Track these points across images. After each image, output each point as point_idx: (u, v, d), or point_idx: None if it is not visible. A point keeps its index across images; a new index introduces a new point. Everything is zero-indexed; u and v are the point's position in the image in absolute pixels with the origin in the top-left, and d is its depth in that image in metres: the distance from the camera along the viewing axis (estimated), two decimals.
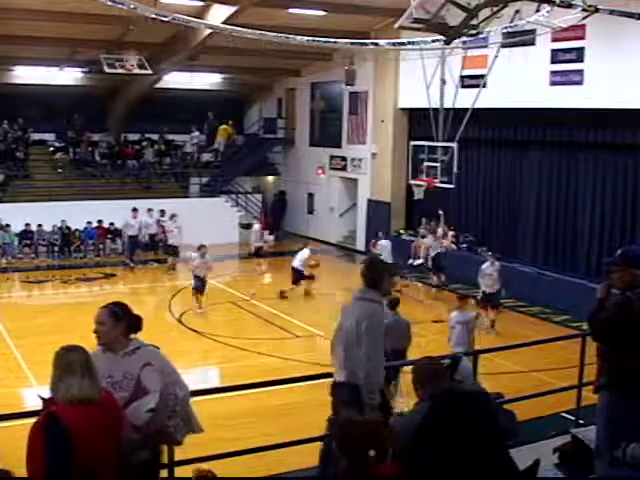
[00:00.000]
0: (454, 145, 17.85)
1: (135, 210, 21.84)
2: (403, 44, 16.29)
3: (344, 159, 24.97)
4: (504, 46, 17.14)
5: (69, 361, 3.84)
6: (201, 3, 18.82)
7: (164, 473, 5.76)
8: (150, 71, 21.69)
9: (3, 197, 22.97)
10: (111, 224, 23.09)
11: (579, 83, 16.63)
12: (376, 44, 17.38)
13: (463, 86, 18.53)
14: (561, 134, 17.87)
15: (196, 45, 21.14)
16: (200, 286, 16.50)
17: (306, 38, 14.24)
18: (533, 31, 15.52)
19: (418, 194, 19.61)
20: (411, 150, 19.74)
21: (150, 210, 22.10)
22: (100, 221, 22.92)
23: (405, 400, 10.47)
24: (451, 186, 18.31)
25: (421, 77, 18.60)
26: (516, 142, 19.36)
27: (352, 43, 15.87)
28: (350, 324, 5.54)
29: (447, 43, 11.53)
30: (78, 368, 3.81)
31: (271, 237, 26.56)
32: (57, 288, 19.03)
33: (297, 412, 10.43)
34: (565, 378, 9.18)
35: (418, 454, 3.78)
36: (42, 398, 4.05)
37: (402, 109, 22.38)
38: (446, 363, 5.16)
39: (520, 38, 15.88)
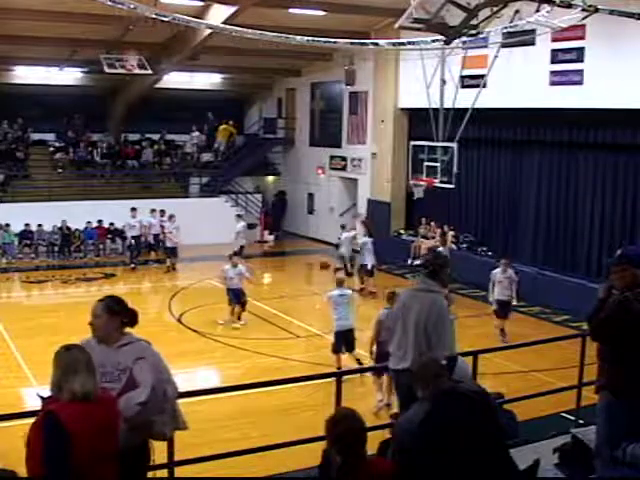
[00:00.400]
0: (454, 145, 17.85)
1: (134, 210, 21.70)
2: (403, 44, 16.28)
3: (344, 159, 24.97)
4: (504, 46, 17.14)
5: (71, 360, 3.87)
6: (201, 3, 18.82)
7: (164, 473, 5.77)
8: (150, 71, 21.70)
9: (3, 197, 22.96)
10: (111, 224, 23.08)
11: (579, 83, 16.62)
12: (376, 44, 17.38)
13: (463, 86, 18.54)
14: (561, 134, 17.87)
15: (196, 45, 21.14)
16: (237, 299, 15.26)
17: (306, 38, 14.23)
18: (533, 31, 15.51)
19: (418, 194, 19.63)
20: (411, 150, 19.75)
21: (153, 211, 21.99)
22: (100, 221, 22.91)
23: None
24: (451, 186, 18.31)
25: (421, 77, 18.61)
26: (516, 142, 19.36)
27: (352, 43, 15.86)
28: (415, 314, 5.86)
29: (447, 43, 11.54)
30: (80, 366, 3.84)
31: (271, 237, 26.63)
32: (57, 288, 19.03)
33: (297, 412, 10.43)
34: (565, 378, 9.18)
35: (418, 453, 3.79)
36: (42, 397, 4.06)
37: (402, 109, 22.38)
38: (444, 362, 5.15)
39: (520, 38, 15.88)
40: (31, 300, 18.81)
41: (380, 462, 4.01)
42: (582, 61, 16.52)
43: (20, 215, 21.84)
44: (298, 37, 14.14)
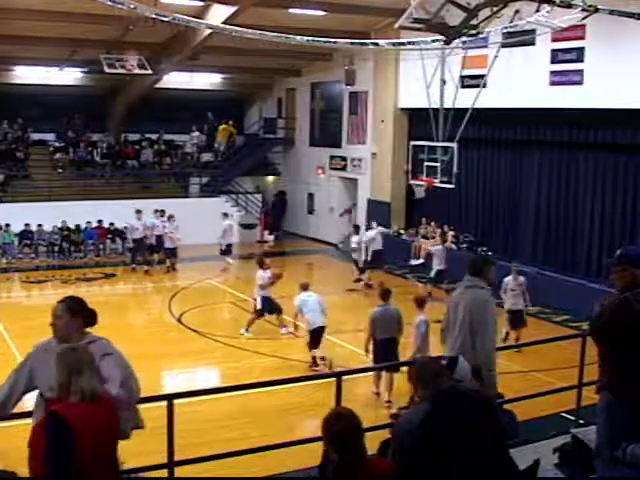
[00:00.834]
0: (454, 145, 17.86)
1: (139, 212, 21.29)
2: (403, 44, 16.28)
3: (344, 159, 24.98)
4: (504, 46, 17.15)
5: (76, 360, 3.87)
6: (201, 3, 18.82)
7: (164, 473, 5.77)
8: (150, 71, 21.70)
9: (3, 197, 22.97)
10: (111, 224, 23.09)
11: (579, 83, 16.63)
12: (376, 44, 17.38)
13: (463, 86, 18.54)
14: (561, 134, 17.87)
15: (196, 45, 21.15)
16: (269, 307, 14.55)
17: (306, 38, 14.23)
18: (533, 31, 15.51)
19: (418, 194, 19.64)
20: (411, 150, 19.76)
21: (157, 211, 21.94)
22: (100, 221, 22.91)
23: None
24: (451, 186, 18.32)
25: (421, 77, 18.61)
26: (516, 142, 19.37)
27: (352, 43, 15.86)
28: (462, 309, 6.14)
29: (447, 43, 11.54)
30: (85, 366, 3.85)
31: (271, 237, 26.63)
32: (57, 288, 19.01)
33: (297, 412, 10.44)
34: (565, 378, 9.18)
35: (418, 453, 3.79)
36: (44, 397, 4.07)
37: (402, 109, 22.39)
38: (444, 363, 5.16)
39: (520, 38, 15.88)
40: (31, 300, 18.80)
41: (380, 462, 4.00)
42: (582, 61, 16.53)
43: (20, 215, 21.84)
44: (298, 37, 14.14)
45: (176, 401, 5.83)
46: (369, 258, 18.96)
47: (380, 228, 19.60)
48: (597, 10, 12.09)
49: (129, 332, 14.99)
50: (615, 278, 4.86)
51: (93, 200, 23.31)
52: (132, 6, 12.26)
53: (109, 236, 23.29)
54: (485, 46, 17.34)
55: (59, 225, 22.47)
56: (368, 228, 20.18)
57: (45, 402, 4.01)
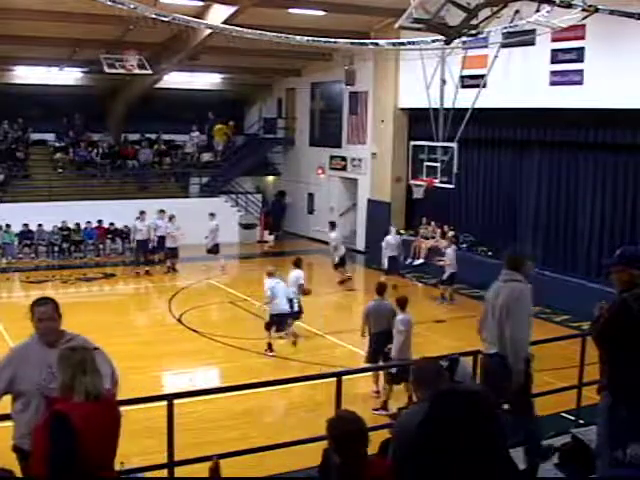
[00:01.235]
0: (454, 145, 17.85)
1: (143, 213, 20.99)
2: (403, 44, 16.28)
3: (344, 159, 24.97)
4: (504, 46, 17.15)
5: (81, 360, 3.88)
6: (201, 3, 18.82)
7: (164, 473, 5.77)
8: (150, 71, 21.70)
9: (3, 197, 22.97)
10: (111, 224, 23.09)
11: (579, 83, 16.62)
12: (376, 44, 17.38)
13: (463, 86, 18.54)
14: (561, 134, 17.86)
15: (196, 45, 21.14)
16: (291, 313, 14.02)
17: (306, 38, 14.24)
18: (533, 31, 15.52)
19: (418, 194, 19.62)
20: (411, 150, 19.75)
21: (160, 212, 21.89)
22: (100, 221, 22.91)
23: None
24: (451, 186, 18.32)
25: (421, 77, 18.60)
26: (516, 142, 19.36)
27: (352, 43, 15.87)
28: (501, 303, 6.35)
29: (447, 43, 11.52)
30: (88, 366, 3.85)
31: (271, 237, 26.63)
32: (57, 288, 19.02)
33: (297, 412, 10.43)
34: (565, 378, 9.19)
35: (418, 453, 3.78)
36: (46, 398, 4.07)
37: (402, 109, 22.38)
38: (445, 364, 5.17)
39: (520, 38, 15.89)
40: (31, 300, 18.68)
41: (380, 462, 4.00)
42: (582, 61, 16.52)
43: (20, 215, 21.84)
44: (298, 37, 14.14)
45: (176, 401, 5.84)
46: (385, 264, 18.70)
47: (397, 236, 19.36)
48: (597, 10, 12.09)
49: (129, 332, 15.00)
50: (614, 279, 4.87)
51: (93, 200, 23.30)
52: (132, 6, 12.26)
53: (109, 236, 23.28)
54: (485, 46, 17.34)
55: (59, 225, 22.47)
56: (385, 233, 19.68)
57: (47, 401, 4.02)
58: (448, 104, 18.32)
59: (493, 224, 20.45)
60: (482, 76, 17.91)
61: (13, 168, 24.20)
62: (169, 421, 5.70)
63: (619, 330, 4.69)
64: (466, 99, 17.64)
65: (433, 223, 21.29)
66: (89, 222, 22.75)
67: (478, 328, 6.74)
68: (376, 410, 10.16)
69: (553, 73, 17.26)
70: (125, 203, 22.55)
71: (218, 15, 18.33)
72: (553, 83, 17.28)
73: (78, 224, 22.61)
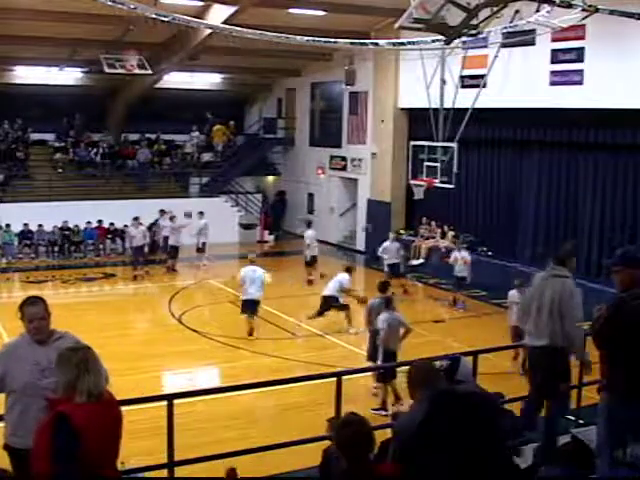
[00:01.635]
0: (454, 145, 17.85)
1: (136, 219, 20.65)
2: (403, 44, 16.27)
3: (344, 159, 24.97)
4: (504, 46, 17.15)
5: (83, 359, 3.88)
6: (201, 3, 18.82)
7: (164, 473, 5.77)
8: (150, 71, 21.70)
9: (3, 197, 22.96)
10: (111, 224, 23.08)
11: (579, 83, 16.62)
12: (376, 44, 17.38)
13: (463, 86, 18.55)
14: (561, 134, 17.86)
15: (196, 45, 21.15)
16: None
17: (306, 38, 14.23)
18: (533, 31, 15.52)
19: (418, 194, 19.62)
20: (411, 150, 19.75)
21: (161, 212, 21.80)
22: (100, 221, 22.91)
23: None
24: (451, 186, 18.32)
25: (421, 77, 18.61)
26: (516, 142, 19.36)
27: (352, 43, 15.85)
28: (549, 297, 6.58)
29: (447, 43, 11.52)
30: (90, 366, 3.85)
31: (271, 237, 26.63)
32: (57, 288, 19.02)
33: (297, 412, 10.43)
34: None
35: (418, 453, 3.79)
36: (47, 398, 4.07)
37: (402, 109, 22.37)
38: (446, 364, 5.17)
39: (520, 38, 15.89)
40: None
41: (383, 466, 4.00)
42: (582, 61, 16.52)
43: (20, 215, 21.82)
44: (298, 37, 14.14)
45: (176, 401, 5.84)
46: (385, 270, 18.21)
47: (396, 243, 18.76)
48: (597, 10, 12.09)
49: (129, 332, 15.01)
50: (615, 279, 4.88)
51: (93, 200, 23.29)
52: (132, 6, 12.26)
53: (109, 236, 23.28)
54: (485, 46, 17.35)
55: (59, 225, 22.46)
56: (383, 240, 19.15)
57: (49, 403, 4.02)
58: (448, 104, 18.32)
59: (493, 224, 20.45)
60: (482, 76, 17.92)
61: (13, 168, 24.19)
62: (169, 421, 5.69)
63: (618, 330, 4.69)
64: (466, 99, 17.64)
65: (433, 223, 21.29)
66: (89, 222, 22.75)
67: (521, 320, 7.04)
68: (375, 410, 10.16)
69: (553, 73, 17.26)
70: (125, 203, 22.55)
71: (218, 15, 18.33)
72: (553, 83, 17.29)
73: (78, 226, 22.56)
